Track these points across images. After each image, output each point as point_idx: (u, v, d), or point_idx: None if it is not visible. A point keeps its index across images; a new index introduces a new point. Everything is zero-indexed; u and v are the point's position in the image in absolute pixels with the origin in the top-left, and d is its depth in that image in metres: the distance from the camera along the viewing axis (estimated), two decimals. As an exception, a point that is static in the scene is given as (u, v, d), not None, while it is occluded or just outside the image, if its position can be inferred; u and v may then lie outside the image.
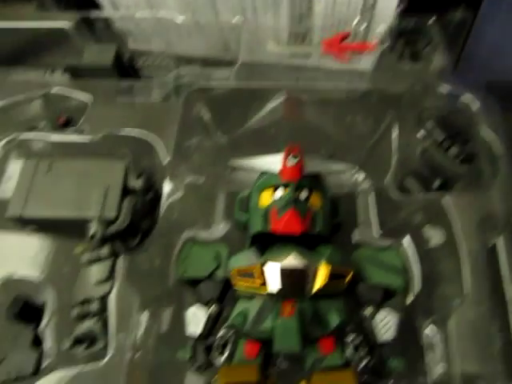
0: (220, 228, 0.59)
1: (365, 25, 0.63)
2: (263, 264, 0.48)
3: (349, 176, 0.63)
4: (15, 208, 0.51)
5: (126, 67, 0.62)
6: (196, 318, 0.52)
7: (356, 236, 0.57)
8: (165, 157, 0.55)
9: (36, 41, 0.73)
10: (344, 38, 0.62)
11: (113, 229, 0.49)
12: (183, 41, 0.73)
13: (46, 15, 0.73)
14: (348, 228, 0.57)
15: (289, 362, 0.53)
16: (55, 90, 0.61)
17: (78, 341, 0.45)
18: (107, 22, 0.73)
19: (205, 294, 0.53)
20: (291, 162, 0.52)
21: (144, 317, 0.48)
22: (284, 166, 0.52)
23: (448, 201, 0.50)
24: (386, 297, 0.52)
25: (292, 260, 0.47)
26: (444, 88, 0.57)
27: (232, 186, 0.62)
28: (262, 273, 0.47)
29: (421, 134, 0.56)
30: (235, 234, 0.58)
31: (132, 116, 0.58)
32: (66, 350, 0.44)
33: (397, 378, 0.48)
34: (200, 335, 0.51)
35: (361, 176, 0.62)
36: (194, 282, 0.54)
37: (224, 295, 0.54)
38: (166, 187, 0.53)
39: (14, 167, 0.57)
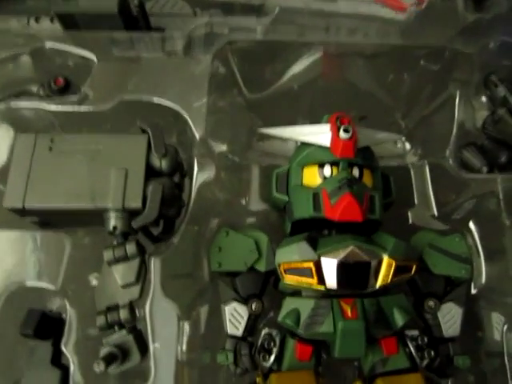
0: (256, 210, 0.51)
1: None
2: (319, 258, 0.41)
3: (394, 143, 0.55)
4: (14, 197, 0.41)
5: (134, 15, 0.50)
6: (236, 317, 0.45)
7: (412, 217, 0.51)
8: (194, 128, 0.46)
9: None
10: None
11: (139, 222, 0.40)
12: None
13: None
14: (402, 207, 0.51)
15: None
16: (47, 44, 0.49)
17: (111, 359, 0.38)
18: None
19: (244, 289, 0.46)
20: (344, 134, 0.44)
21: (186, 325, 0.40)
22: (335, 139, 0.44)
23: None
24: (447, 287, 0.47)
25: (352, 253, 0.41)
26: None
27: (265, 158, 0.54)
28: (319, 268, 0.41)
29: (485, 101, 0.48)
30: (273, 216, 0.51)
31: (147, 78, 0.47)
32: (99, 371, 0.36)
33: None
34: (241, 336, 0.45)
35: (410, 145, 0.54)
36: (230, 275, 0.47)
37: (264, 289, 0.47)
38: (196, 167, 0.45)
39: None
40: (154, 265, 0.40)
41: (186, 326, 0.41)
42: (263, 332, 0.45)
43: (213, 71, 0.49)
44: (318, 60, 0.54)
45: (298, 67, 0.55)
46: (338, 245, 0.42)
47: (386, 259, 0.41)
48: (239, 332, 0.45)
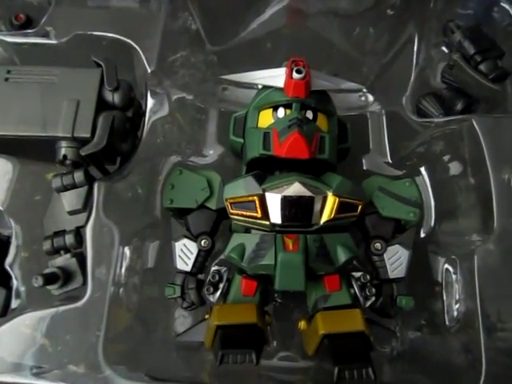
0: (212, 153, 0.51)
1: None
2: (264, 192, 0.41)
3: (358, 96, 0.55)
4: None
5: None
6: (185, 253, 0.46)
7: (366, 163, 0.51)
8: (148, 66, 0.46)
9: None
10: None
11: (87, 150, 0.41)
12: None
13: None
14: (357, 154, 0.51)
15: (288, 299, 0.49)
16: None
17: (51, 278, 0.39)
18: None
19: (195, 226, 0.47)
20: (297, 75, 0.44)
21: (126, 250, 0.41)
22: (288, 79, 0.45)
23: (473, 125, 0.43)
24: (397, 230, 0.47)
25: (297, 188, 0.41)
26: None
27: (226, 105, 0.54)
28: (263, 203, 0.41)
29: (445, 47, 0.48)
30: (229, 159, 0.51)
31: (106, 20, 0.48)
32: (38, 289, 0.38)
33: (406, 316, 0.45)
34: (190, 271, 0.46)
35: (372, 96, 0.55)
36: (182, 213, 0.48)
37: (216, 228, 0.48)
38: (150, 103, 0.45)
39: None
40: (99, 189, 0.41)
41: (127, 251, 0.42)
42: (212, 269, 0.46)
43: (168, 20, 0.49)
44: (283, 9, 0.54)
45: (263, 16, 0.55)
46: (283, 180, 0.42)
47: (330, 195, 0.42)
48: (188, 267, 0.46)
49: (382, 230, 0.46)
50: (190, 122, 0.50)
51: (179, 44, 0.55)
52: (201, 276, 0.47)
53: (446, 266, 0.44)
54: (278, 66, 0.48)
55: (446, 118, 0.46)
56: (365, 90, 0.55)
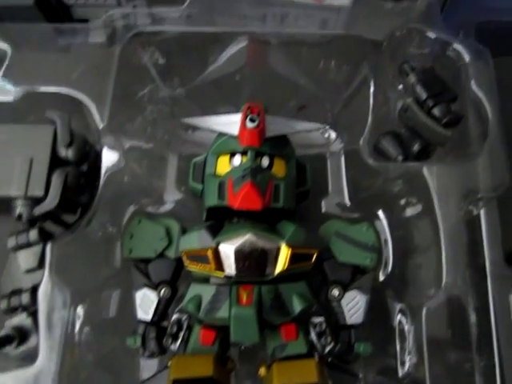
0: (172, 199, 0.52)
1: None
2: (217, 246, 0.42)
3: (321, 133, 0.55)
4: None
5: (52, 6, 0.51)
6: (146, 302, 0.47)
7: (326, 205, 0.51)
8: (102, 118, 0.47)
9: None
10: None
11: (40, 209, 0.42)
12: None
13: None
14: (317, 195, 0.51)
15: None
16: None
17: (6, 340, 0.39)
18: None
19: (155, 275, 0.48)
20: (250, 124, 0.45)
21: (80, 309, 0.42)
22: (242, 128, 0.45)
23: (428, 169, 0.43)
24: (357, 273, 0.47)
25: (249, 241, 0.42)
26: (430, 34, 0.48)
27: (187, 148, 0.54)
28: (217, 256, 0.42)
29: (401, 89, 0.48)
30: (191, 203, 0.51)
31: (61, 69, 0.48)
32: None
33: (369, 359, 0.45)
34: (151, 320, 0.46)
35: (335, 133, 0.55)
36: (143, 261, 0.48)
37: (177, 276, 0.48)
38: (105, 156, 0.46)
39: None
40: (52, 250, 0.41)
41: (82, 309, 0.42)
42: (173, 317, 0.47)
43: (125, 62, 0.49)
44: (243, 49, 0.54)
45: (225, 56, 0.55)
46: (235, 232, 0.42)
47: (283, 246, 0.42)
48: (149, 316, 0.46)
49: (340, 275, 0.46)
50: (147, 170, 0.50)
51: (138, 84, 0.55)
52: (165, 323, 0.47)
53: (400, 315, 0.44)
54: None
55: (399, 165, 0.46)
56: (327, 127, 0.55)
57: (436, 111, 0.44)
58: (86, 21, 0.53)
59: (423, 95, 0.45)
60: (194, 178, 0.49)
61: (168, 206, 0.51)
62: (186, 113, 0.57)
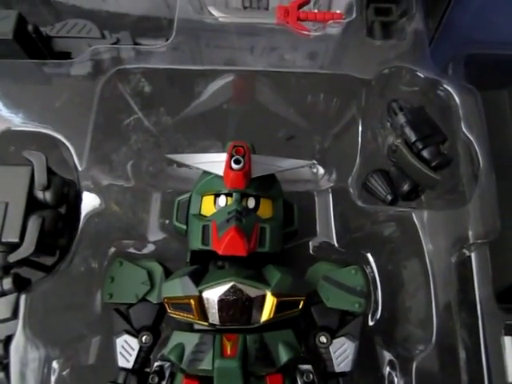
0: (155, 239, 0.50)
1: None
2: (200, 294, 0.40)
3: (307, 169, 0.54)
4: None
5: (31, 40, 0.49)
6: (126, 350, 0.45)
7: (313, 246, 0.50)
8: (81, 158, 0.45)
9: None
10: (303, 4, 0.51)
11: (16, 256, 0.40)
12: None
13: None
14: (305, 235, 0.50)
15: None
16: None
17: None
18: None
19: (136, 320, 0.46)
20: (235, 165, 0.43)
21: (56, 364, 0.40)
22: (227, 170, 0.44)
23: (417, 215, 0.42)
24: (344, 319, 0.46)
25: (233, 289, 0.40)
26: (419, 73, 0.47)
27: (171, 184, 0.53)
28: (201, 304, 0.40)
29: (389, 129, 0.47)
30: (174, 244, 0.50)
31: (40, 106, 0.47)
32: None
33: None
34: (132, 368, 0.45)
35: (321, 170, 0.54)
36: (125, 305, 0.46)
37: (159, 321, 0.47)
38: (85, 199, 0.44)
39: None
40: (26, 302, 0.39)
41: (56, 365, 0.40)
42: (155, 364, 0.45)
43: (105, 98, 0.48)
44: (228, 83, 0.53)
45: (211, 89, 0.54)
46: (219, 280, 0.41)
47: (268, 295, 0.40)
48: (129, 364, 0.44)
49: (328, 321, 0.45)
50: (130, 209, 0.48)
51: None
52: (147, 368, 0.46)
53: (389, 368, 0.43)
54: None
55: (388, 208, 0.45)
56: (315, 163, 0.54)
57: (425, 153, 0.43)
58: (67, 53, 0.51)
59: (412, 137, 0.44)
60: (178, 218, 0.48)
61: (151, 247, 0.50)
62: (171, 143, 0.56)
